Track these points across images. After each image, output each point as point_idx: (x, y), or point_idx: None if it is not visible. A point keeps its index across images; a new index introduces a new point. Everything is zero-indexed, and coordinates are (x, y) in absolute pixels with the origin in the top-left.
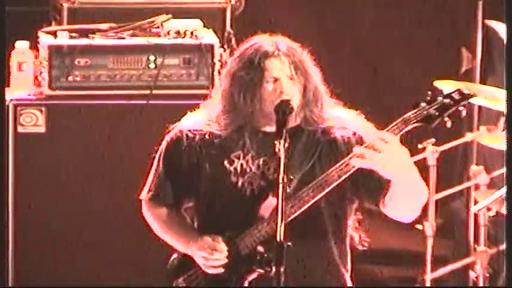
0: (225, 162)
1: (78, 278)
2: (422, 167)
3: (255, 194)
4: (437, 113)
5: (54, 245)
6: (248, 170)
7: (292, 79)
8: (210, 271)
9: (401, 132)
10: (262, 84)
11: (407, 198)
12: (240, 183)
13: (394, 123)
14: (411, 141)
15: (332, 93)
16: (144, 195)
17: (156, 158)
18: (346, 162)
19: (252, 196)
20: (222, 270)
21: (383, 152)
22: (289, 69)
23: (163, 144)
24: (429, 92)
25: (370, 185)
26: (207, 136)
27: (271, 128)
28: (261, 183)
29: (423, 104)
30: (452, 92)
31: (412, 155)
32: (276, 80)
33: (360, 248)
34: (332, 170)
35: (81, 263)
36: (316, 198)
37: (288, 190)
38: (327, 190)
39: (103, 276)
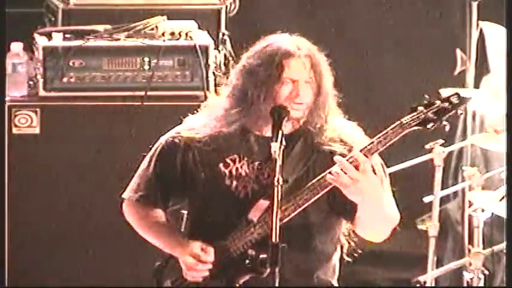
0: (220, 165)
1: (75, 278)
2: (428, 167)
3: (249, 198)
4: (435, 117)
5: (50, 245)
6: (243, 174)
7: (308, 82)
8: (190, 279)
9: (398, 136)
10: (278, 83)
11: (373, 222)
12: (233, 186)
13: (391, 127)
14: (418, 141)
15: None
16: (128, 194)
17: (147, 159)
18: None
19: (245, 199)
20: (201, 280)
21: (354, 177)
22: (307, 72)
23: (158, 145)
24: (426, 96)
25: (345, 205)
26: (203, 139)
27: (269, 133)
28: (255, 187)
29: (421, 108)
30: (451, 96)
31: (419, 155)
32: (293, 81)
33: (348, 258)
34: (327, 173)
35: (76, 263)
36: (310, 202)
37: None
38: (322, 193)
39: (99, 276)
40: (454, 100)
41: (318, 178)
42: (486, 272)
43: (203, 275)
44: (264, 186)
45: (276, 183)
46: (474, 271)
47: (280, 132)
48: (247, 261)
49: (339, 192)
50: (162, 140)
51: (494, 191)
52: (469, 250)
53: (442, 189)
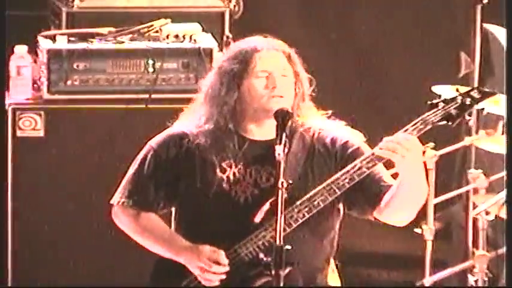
0: (217, 171)
1: (77, 279)
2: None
3: (249, 202)
4: (457, 112)
5: (53, 247)
6: (241, 179)
7: (284, 76)
8: (207, 284)
9: (420, 133)
10: (250, 77)
11: (411, 198)
12: (232, 191)
13: (413, 123)
14: None
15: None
16: (121, 200)
17: (137, 164)
18: (358, 166)
19: (245, 204)
20: (217, 283)
21: (405, 147)
22: (282, 66)
23: (148, 149)
24: (440, 93)
25: (371, 190)
26: (196, 143)
27: (260, 136)
28: (255, 192)
29: (442, 104)
30: (471, 90)
31: None
32: (268, 74)
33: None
34: (343, 174)
35: (79, 264)
36: (326, 202)
37: (285, 195)
38: (338, 194)
39: (101, 276)
40: (476, 95)
41: (333, 179)
42: (490, 275)
43: (221, 278)
44: (264, 190)
45: (279, 186)
46: (478, 274)
47: (284, 135)
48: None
49: (362, 181)
50: (153, 143)
51: (498, 194)
52: (473, 253)
53: (446, 192)
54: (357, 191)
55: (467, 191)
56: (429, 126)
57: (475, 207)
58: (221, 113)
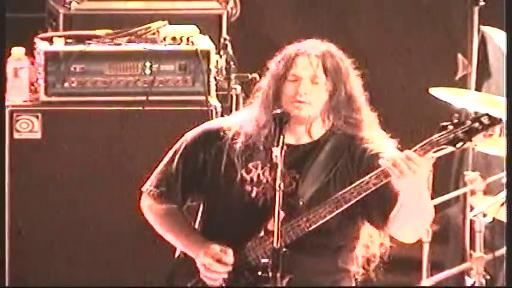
0: (242, 171)
1: (75, 279)
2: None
3: (267, 205)
4: (465, 137)
5: (50, 247)
6: (264, 181)
7: (314, 82)
8: (207, 281)
9: (426, 154)
10: (285, 80)
11: (412, 218)
12: (254, 193)
13: (420, 144)
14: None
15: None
16: (148, 188)
17: (171, 154)
18: (367, 181)
19: (263, 207)
20: (218, 283)
21: (408, 166)
22: (313, 70)
23: (183, 141)
24: (456, 114)
25: (384, 204)
26: (228, 141)
27: (290, 140)
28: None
29: (450, 127)
30: (481, 116)
31: None
32: (296, 79)
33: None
34: (351, 188)
35: (76, 266)
36: (332, 214)
37: (300, 203)
38: (345, 207)
39: (99, 276)
40: (485, 121)
41: (342, 192)
42: (488, 277)
43: (222, 277)
44: (284, 194)
45: (277, 188)
46: (476, 276)
47: (282, 137)
48: (259, 273)
49: (375, 193)
50: (188, 135)
51: (495, 195)
52: (471, 255)
53: (443, 194)
54: (373, 204)
55: (465, 193)
56: (436, 148)
57: (472, 209)
58: (269, 117)
